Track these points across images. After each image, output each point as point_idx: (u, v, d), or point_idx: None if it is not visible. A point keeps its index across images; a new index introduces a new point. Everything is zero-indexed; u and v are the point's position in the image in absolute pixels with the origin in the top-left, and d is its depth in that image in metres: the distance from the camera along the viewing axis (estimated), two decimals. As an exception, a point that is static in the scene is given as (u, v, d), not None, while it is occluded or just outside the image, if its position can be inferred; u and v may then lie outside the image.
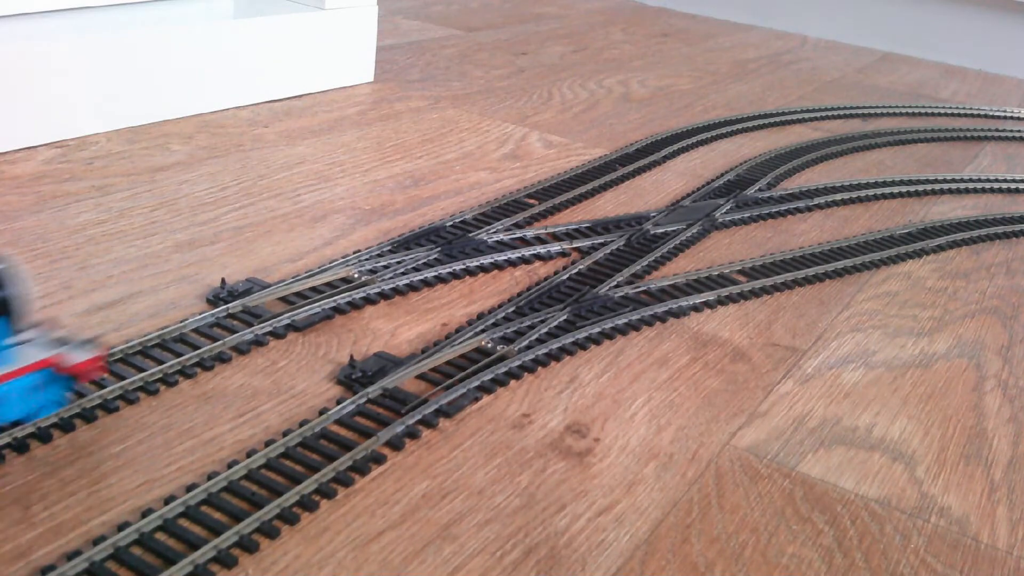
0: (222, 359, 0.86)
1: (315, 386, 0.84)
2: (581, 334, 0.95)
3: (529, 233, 1.16)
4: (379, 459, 0.76)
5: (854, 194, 1.42)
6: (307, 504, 0.70)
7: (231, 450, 0.75)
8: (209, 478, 0.71)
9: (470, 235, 1.13)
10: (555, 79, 1.90)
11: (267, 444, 0.75)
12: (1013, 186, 1.55)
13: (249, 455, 0.74)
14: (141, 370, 0.81)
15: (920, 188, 1.48)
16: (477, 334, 0.93)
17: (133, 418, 0.78)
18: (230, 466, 0.72)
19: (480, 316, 0.97)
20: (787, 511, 0.77)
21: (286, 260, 1.05)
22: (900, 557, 0.73)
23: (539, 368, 0.91)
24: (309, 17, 1.59)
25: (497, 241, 1.13)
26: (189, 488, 0.70)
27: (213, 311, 0.90)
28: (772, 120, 1.77)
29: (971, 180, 1.54)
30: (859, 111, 1.89)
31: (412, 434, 0.79)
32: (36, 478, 0.70)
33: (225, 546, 0.65)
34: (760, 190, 1.39)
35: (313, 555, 0.67)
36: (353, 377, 0.84)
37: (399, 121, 1.54)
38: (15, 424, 0.72)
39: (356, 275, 1.01)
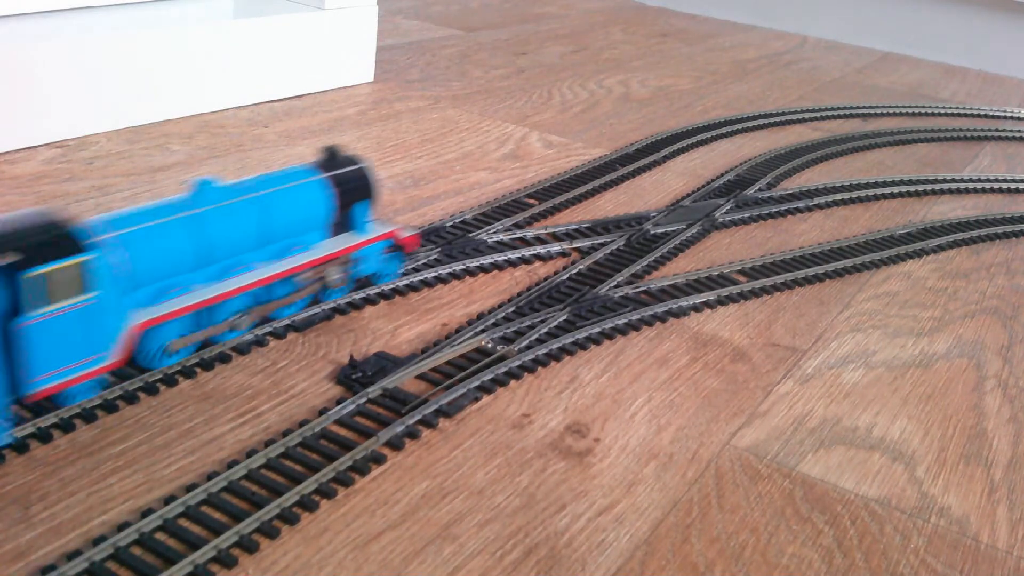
0: (222, 359, 0.86)
1: (315, 386, 0.84)
2: (581, 334, 0.96)
3: (529, 233, 1.16)
4: (379, 459, 0.76)
5: (854, 194, 1.42)
6: (307, 504, 0.70)
7: (231, 450, 0.76)
8: (209, 478, 0.71)
9: (470, 235, 1.13)
10: (555, 79, 1.90)
11: (267, 444, 0.75)
12: (1013, 186, 1.55)
13: (249, 455, 0.74)
14: (142, 369, 0.81)
15: (920, 188, 1.48)
16: (477, 334, 0.93)
17: (133, 418, 0.78)
18: (230, 466, 0.72)
19: (480, 316, 0.97)
20: (787, 511, 0.77)
21: (286, 260, 1.05)
22: (900, 557, 0.73)
23: (539, 368, 0.91)
24: (309, 17, 1.59)
25: (497, 241, 1.13)
26: (189, 488, 0.70)
27: (213, 311, 0.91)
28: (772, 120, 1.77)
29: (971, 180, 1.54)
30: (859, 111, 1.89)
31: (412, 434, 0.79)
32: (36, 478, 0.70)
33: (225, 546, 0.65)
34: (760, 190, 1.39)
35: (313, 555, 0.67)
36: (353, 377, 0.84)
37: (399, 121, 1.54)
38: (364, 279, 0.98)
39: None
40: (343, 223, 0.95)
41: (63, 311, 0.70)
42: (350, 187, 0.94)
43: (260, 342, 0.89)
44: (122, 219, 0.79)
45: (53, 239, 0.69)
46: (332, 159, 0.95)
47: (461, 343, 0.91)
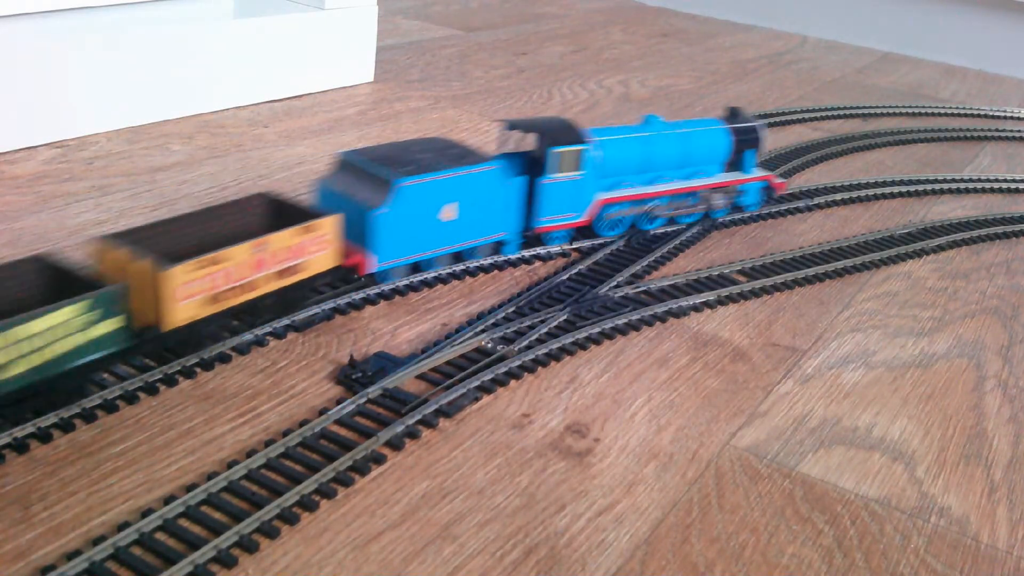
0: (222, 359, 0.86)
1: (315, 386, 0.84)
2: (581, 334, 0.96)
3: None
4: (379, 459, 0.76)
5: (854, 194, 1.42)
6: (307, 504, 0.70)
7: (231, 450, 0.76)
8: (209, 478, 0.71)
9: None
10: (555, 79, 1.90)
11: (267, 444, 0.75)
12: (1013, 186, 1.55)
13: (249, 455, 0.74)
14: (142, 370, 0.81)
15: (920, 188, 1.48)
16: (477, 334, 0.93)
17: (133, 418, 0.78)
18: (230, 466, 0.72)
19: (480, 316, 0.98)
20: (787, 511, 0.77)
21: (286, 260, 1.05)
22: (900, 557, 0.73)
23: (539, 368, 0.91)
24: (309, 17, 1.59)
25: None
26: (189, 488, 0.70)
27: (213, 311, 0.91)
28: (772, 120, 1.77)
29: (971, 180, 1.54)
30: (859, 111, 1.89)
31: (412, 434, 0.79)
32: (36, 478, 0.70)
33: (225, 546, 0.65)
34: (760, 190, 1.39)
35: (313, 555, 0.67)
36: (353, 377, 0.84)
37: (399, 121, 1.54)
38: (735, 210, 1.28)
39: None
40: (735, 164, 1.26)
41: (563, 179, 1.09)
42: (744, 138, 1.26)
43: (260, 342, 0.89)
44: (602, 131, 1.15)
45: (569, 132, 1.09)
46: (734, 115, 1.27)
47: (461, 343, 0.91)
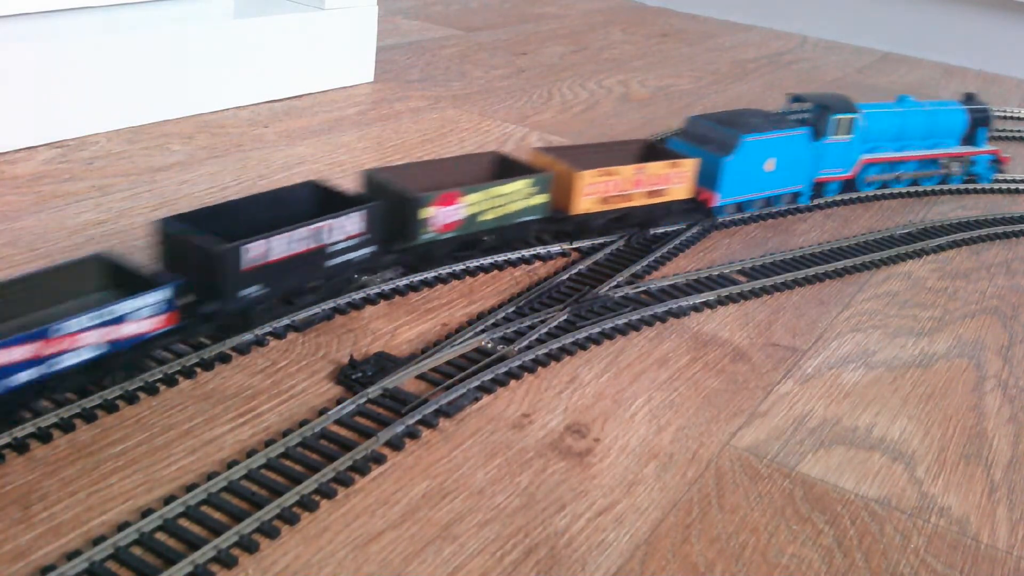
0: (222, 359, 0.86)
1: (315, 386, 0.84)
2: (581, 334, 0.96)
3: (529, 233, 1.16)
4: (379, 459, 0.76)
5: (854, 194, 1.42)
6: (307, 504, 0.70)
7: (231, 450, 0.76)
8: (209, 478, 0.71)
9: (470, 235, 1.13)
10: (555, 79, 1.90)
11: (267, 444, 0.75)
12: (1013, 186, 1.55)
13: (249, 455, 0.74)
14: (142, 370, 0.81)
15: (920, 188, 1.48)
16: (477, 334, 0.93)
17: (133, 418, 0.78)
18: (230, 466, 0.72)
19: (480, 316, 0.98)
20: (787, 511, 0.77)
21: (286, 260, 1.05)
22: (900, 557, 0.73)
23: (539, 368, 0.91)
24: (309, 17, 1.59)
25: (497, 241, 1.14)
26: (189, 488, 0.70)
27: (213, 311, 0.91)
28: (772, 120, 1.76)
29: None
30: (859, 111, 1.89)
31: (412, 434, 0.79)
32: (36, 478, 0.70)
33: (225, 546, 0.65)
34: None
35: (313, 555, 0.67)
36: (353, 377, 0.84)
37: (399, 121, 1.54)
38: (971, 176, 1.53)
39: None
40: (969, 139, 1.50)
41: (838, 141, 1.34)
42: (977, 117, 1.49)
43: (260, 342, 0.89)
44: (865, 105, 1.39)
45: (845, 103, 1.35)
46: (969, 99, 1.51)
47: (461, 343, 0.91)
